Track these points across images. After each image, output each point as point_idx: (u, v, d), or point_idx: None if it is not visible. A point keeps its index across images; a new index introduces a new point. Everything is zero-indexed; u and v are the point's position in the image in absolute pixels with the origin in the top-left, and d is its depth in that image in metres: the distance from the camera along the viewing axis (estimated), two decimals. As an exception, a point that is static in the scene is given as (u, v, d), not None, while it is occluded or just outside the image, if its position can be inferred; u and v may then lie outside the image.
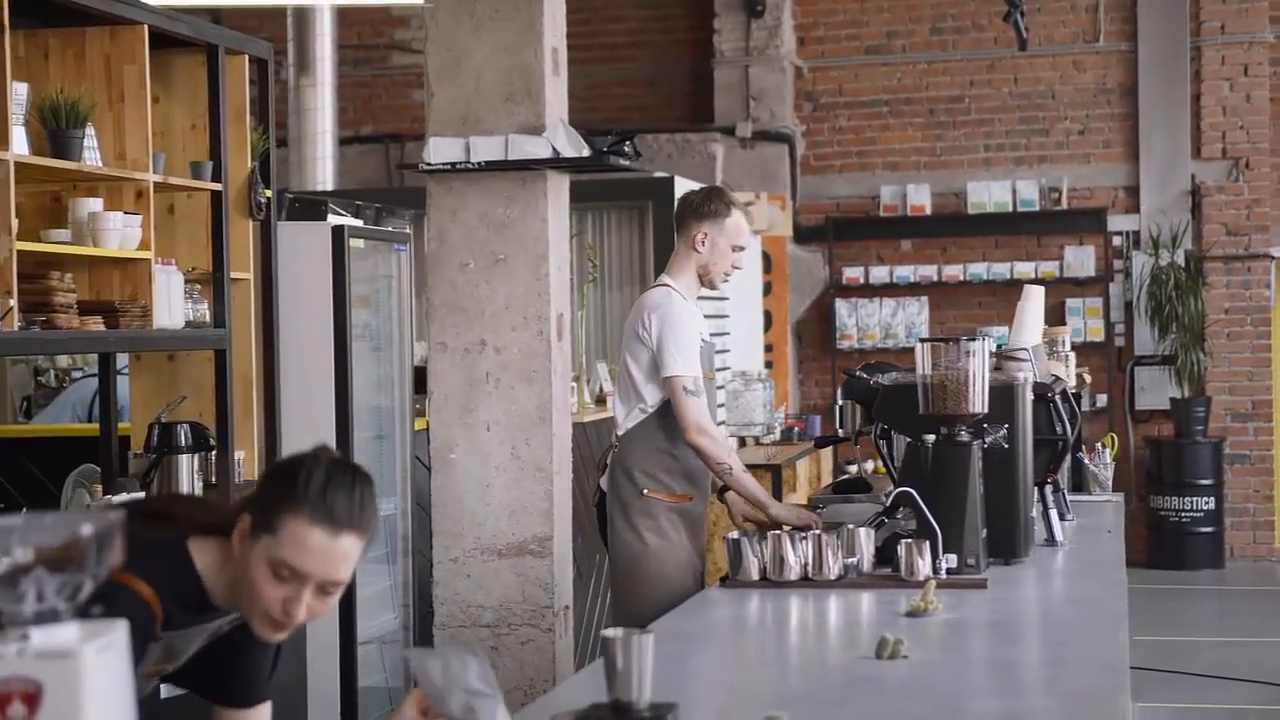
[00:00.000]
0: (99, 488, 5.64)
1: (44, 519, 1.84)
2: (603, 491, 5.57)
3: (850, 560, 4.49)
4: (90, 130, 5.17)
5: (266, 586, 2.70)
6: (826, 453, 11.39)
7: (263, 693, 3.05)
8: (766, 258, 12.66)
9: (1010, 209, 13.14)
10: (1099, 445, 6.87)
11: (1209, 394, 12.92)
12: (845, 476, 6.43)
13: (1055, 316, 12.73)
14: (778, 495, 9.23)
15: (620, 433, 5.49)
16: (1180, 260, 12.79)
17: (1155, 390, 13.02)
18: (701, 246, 5.48)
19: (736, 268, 5.57)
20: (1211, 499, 12.69)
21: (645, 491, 5.39)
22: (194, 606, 2.80)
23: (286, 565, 2.68)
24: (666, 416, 5.36)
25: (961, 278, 13.18)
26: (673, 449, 5.36)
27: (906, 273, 13.28)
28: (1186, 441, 12.72)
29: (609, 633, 2.84)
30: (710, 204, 5.51)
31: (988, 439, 4.66)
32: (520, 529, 6.09)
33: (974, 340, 4.61)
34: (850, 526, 4.57)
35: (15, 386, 9.44)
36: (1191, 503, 12.67)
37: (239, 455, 5.96)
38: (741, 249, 5.54)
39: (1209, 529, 12.71)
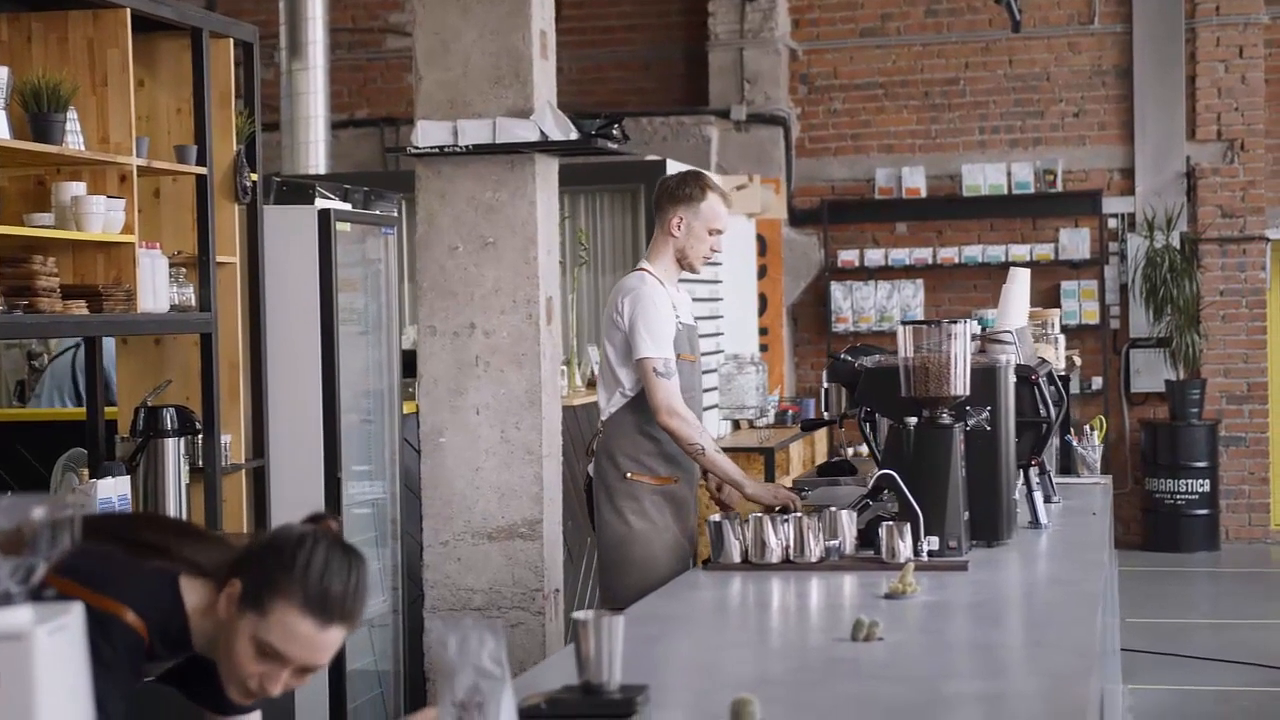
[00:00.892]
0: (85, 471, 5.64)
1: (-4, 503, 1.85)
2: (590, 477, 5.60)
3: (832, 543, 4.49)
4: (73, 114, 5.16)
5: (247, 661, 2.72)
6: (820, 436, 11.40)
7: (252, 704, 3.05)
8: (761, 241, 12.66)
9: (1005, 191, 13.13)
10: (1087, 428, 6.87)
11: (1204, 376, 12.91)
12: (830, 459, 6.44)
13: (1050, 299, 12.73)
14: (769, 479, 9.24)
15: (603, 418, 5.53)
16: (1175, 242, 12.78)
17: (1150, 373, 13.02)
18: (677, 231, 5.49)
19: (715, 251, 5.57)
20: (1206, 481, 12.69)
21: (629, 475, 5.42)
22: (175, 643, 2.80)
23: (271, 648, 2.70)
24: (646, 400, 5.37)
25: (956, 260, 13.17)
26: (654, 432, 5.38)
27: (902, 255, 13.28)
28: (1181, 424, 12.71)
29: (579, 615, 2.85)
30: (685, 188, 5.51)
31: (970, 421, 4.67)
32: (510, 512, 6.09)
33: (955, 323, 4.60)
34: (832, 509, 4.58)
35: (9, 371, 9.43)
36: (1186, 485, 12.68)
37: (225, 439, 5.96)
38: (719, 232, 5.54)
39: (1204, 511, 12.71)
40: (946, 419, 4.61)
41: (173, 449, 5.65)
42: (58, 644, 1.80)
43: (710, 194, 5.51)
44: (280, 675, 2.73)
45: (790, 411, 11.24)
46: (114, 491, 5.29)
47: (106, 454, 5.77)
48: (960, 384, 4.59)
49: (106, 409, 5.97)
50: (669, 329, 5.37)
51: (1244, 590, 11.63)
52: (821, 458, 11.29)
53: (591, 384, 8.53)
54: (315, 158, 11.15)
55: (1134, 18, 13.04)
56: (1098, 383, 12.99)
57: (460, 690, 2.62)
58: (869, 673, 3.26)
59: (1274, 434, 13.22)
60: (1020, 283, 5.68)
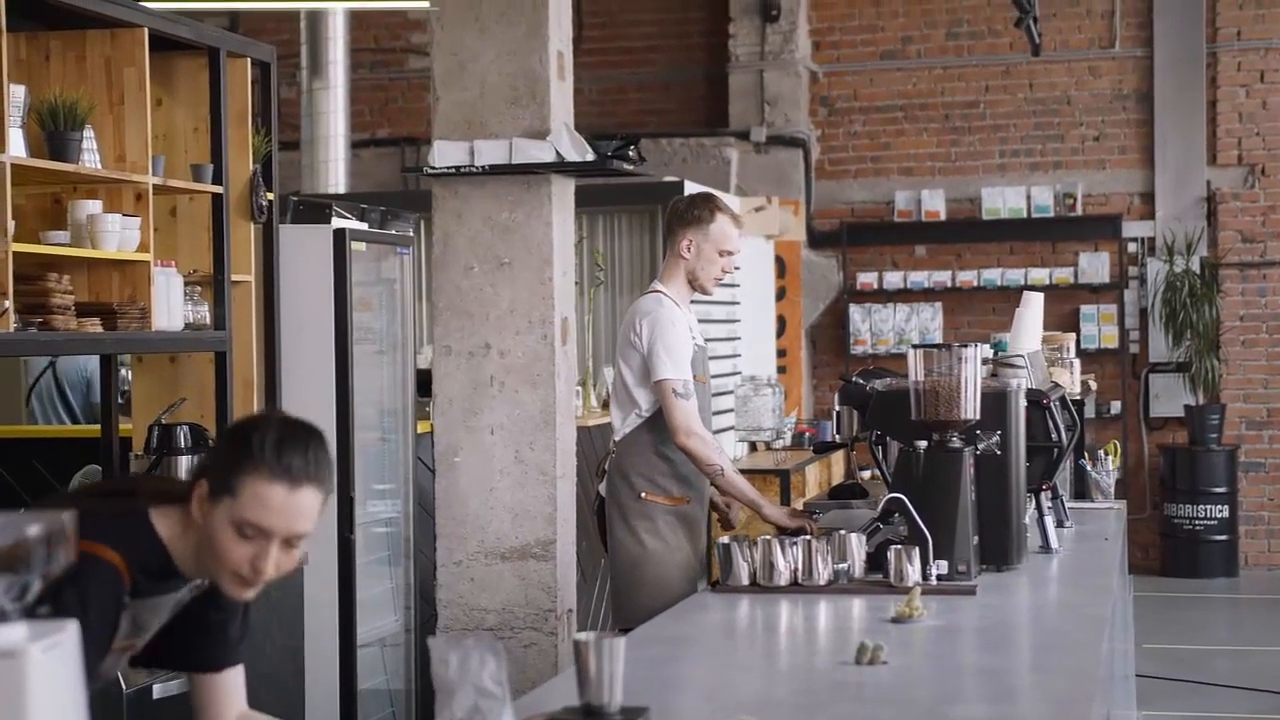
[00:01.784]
0: (100, 488, 5.65)
1: (-9, 520, 1.85)
2: (603, 498, 5.61)
3: (841, 566, 4.49)
4: (89, 132, 5.19)
5: (233, 546, 2.78)
6: (838, 458, 11.37)
7: (234, 656, 3.13)
8: (780, 262, 12.66)
9: (1025, 215, 13.12)
10: (1101, 452, 6.85)
11: (1223, 401, 12.88)
12: (841, 483, 6.43)
13: (1069, 323, 12.71)
14: (785, 501, 9.23)
15: (617, 438, 5.55)
16: (1195, 267, 12.75)
17: (1169, 397, 12.98)
18: (688, 253, 5.52)
19: (726, 272, 5.61)
20: (1225, 507, 12.64)
21: (643, 495, 5.45)
22: (159, 574, 2.87)
23: (250, 524, 2.77)
24: (661, 420, 5.39)
25: (976, 283, 13.16)
26: (669, 452, 5.40)
27: (921, 278, 13.27)
28: (1200, 449, 12.68)
29: (580, 636, 2.85)
30: (694, 210, 5.55)
31: (980, 446, 4.66)
32: (523, 532, 6.10)
33: (966, 347, 4.60)
34: (842, 532, 4.57)
35: (28, 388, 9.47)
36: (1205, 510, 12.63)
37: (239, 457, 5.96)
38: (729, 254, 5.56)
39: (1223, 537, 12.66)
40: (956, 443, 4.60)
41: (186, 467, 5.66)
42: (52, 661, 1.81)
43: (720, 215, 5.53)
44: (269, 552, 2.78)
45: (808, 434, 11.23)
46: (127, 508, 5.29)
47: (121, 471, 5.79)
48: (970, 408, 4.58)
49: (122, 427, 5.98)
50: (687, 351, 5.40)
51: (1263, 617, 11.57)
52: (839, 480, 11.26)
53: (607, 404, 8.53)
54: (335, 177, 11.19)
55: (1155, 42, 13.03)
56: (1116, 407, 12.96)
57: (460, 709, 2.63)
58: (872, 696, 3.26)
59: (1294, 460, 13.19)
60: (1033, 307, 5.67)
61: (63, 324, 5.01)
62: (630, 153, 6.48)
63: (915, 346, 4.64)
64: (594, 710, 2.84)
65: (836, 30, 13.56)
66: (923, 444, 4.60)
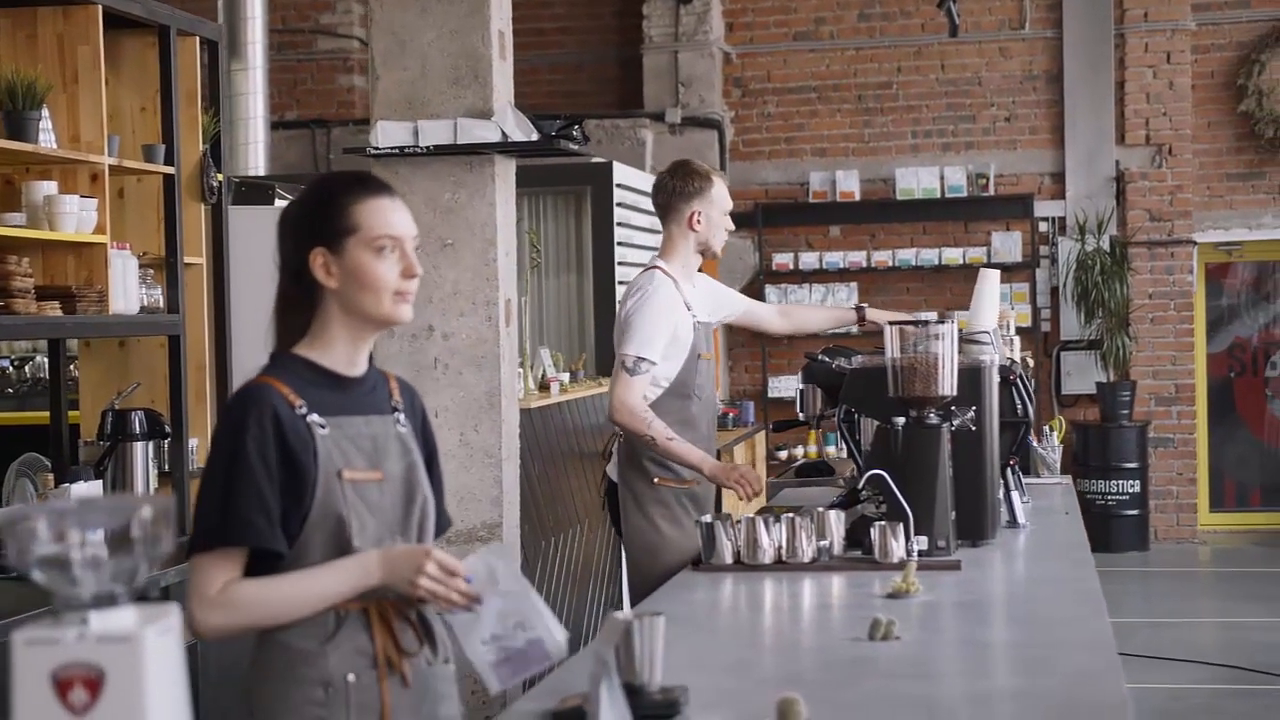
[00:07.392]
0: (50, 476, 5.53)
1: (98, 502, 1.80)
2: (611, 481, 5.53)
3: (822, 543, 4.49)
4: (45, 112, 5.08)
5: (380, 269, 2.97)
6: (760, 438, 11.43)
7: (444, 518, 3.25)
8: (696, 244, 12.65)
9: (938, 195, 13.21)
10: (1046, 428, 6.92)
11: (1133, 378, 13.06)
12: (806, 460, 6.44)
13: (983, 302, 12.81)
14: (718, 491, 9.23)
15: None
16: (1105, 246, 12.92)
17: (1081, 375, 13.15)
18: (699, 225, 5.53)
19: (730, 229, 5.68)
20: (1136, 482, 12.83)
21: (657, 480, 5.39)
22: (323, 383, 2.98)
23: (384, 236, 2.96)
24: (669, 403, 5.33)
25: (890, 264, 13.24)
26: (678, 432, 5.30)
27: (836, 259, 13.33)
28: (1112, 425, 12.85)
29: (621, 615, 2.83)
30: (694, 182, 5.53)
31: (956, 421, 4.67)
32: (469, 515, 6.07)
33: (942, 323, 4.62)
34: (821, 509, 4.57)
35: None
36: (1117, 486, 12.81)
37: (193, 443, 5.88)
38: (729, 211, 5.64)
39: (1134, 512, 12.85)
40: (934, 419, 4.61)
41: (141, 453, 5.56)
42: (165, 645, 1.77)
43: (714, 178, 5.59)
44: (409, 255, 2.99)
45: (730, 414, 11.25)
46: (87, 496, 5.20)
47: (71, 458, 5.67)
48: (947, 384, 4.59)
49: (70, 413, 5.87)
50: (661, 331, 5.32)
51: (1174, 589, 11.76)
52: (761, 460, 11.32)
53: (544, 387, 8.49)
54: (255, 159, 11.02)
55: (1064, 23, 13.18)
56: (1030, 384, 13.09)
57: (489, 626, 2.81)
58: (894, 671, 3.25)
59: (1200, 435, 13.39)
60: (991, 282, 5.70)
61: (23, 307, 4.89)
62: (574, 133, 6.46)
63: (892, 323, 4.64)
64: (634, 689, 2.82)
65: (749, 11, 13.58)
66: (900, 421, 4.60)
